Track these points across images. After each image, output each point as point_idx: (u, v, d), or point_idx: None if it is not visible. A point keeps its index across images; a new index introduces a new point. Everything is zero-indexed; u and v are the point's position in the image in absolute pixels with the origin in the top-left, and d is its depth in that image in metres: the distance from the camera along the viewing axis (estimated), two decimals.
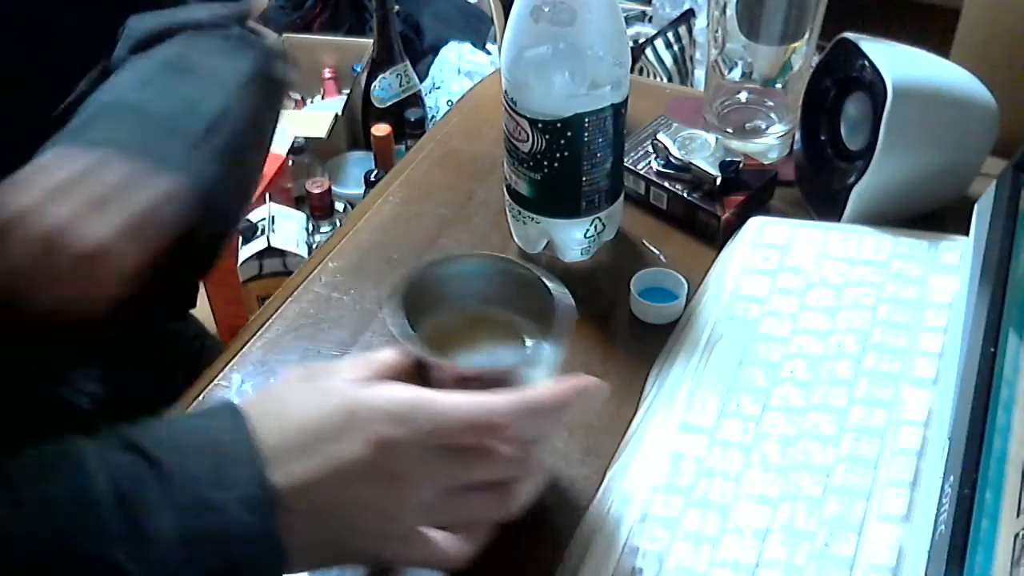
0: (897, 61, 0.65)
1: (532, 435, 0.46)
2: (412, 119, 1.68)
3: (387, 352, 0.50)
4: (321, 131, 1.72)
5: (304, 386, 0.47)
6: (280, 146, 1.63)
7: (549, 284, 0.51)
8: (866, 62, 0.65)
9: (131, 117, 0.55)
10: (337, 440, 0.44)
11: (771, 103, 0.76)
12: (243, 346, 0.64)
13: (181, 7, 0.63)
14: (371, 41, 1.73)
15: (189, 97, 0.57)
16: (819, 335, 0.59)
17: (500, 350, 0.52)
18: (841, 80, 0.69)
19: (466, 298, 0.53)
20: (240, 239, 1.52)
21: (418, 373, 0.48)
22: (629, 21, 1.94)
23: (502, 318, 0.53)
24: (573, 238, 0.66)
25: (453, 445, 0.44)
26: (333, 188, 1.59)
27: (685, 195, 0.70)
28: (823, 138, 0.71)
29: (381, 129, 1.62)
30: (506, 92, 0.61)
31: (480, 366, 0.49)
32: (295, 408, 0.46)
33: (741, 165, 0.70)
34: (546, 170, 0.62)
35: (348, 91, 1.81)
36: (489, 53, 1.90)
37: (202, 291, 1.23)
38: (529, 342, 0.52)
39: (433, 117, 1.77)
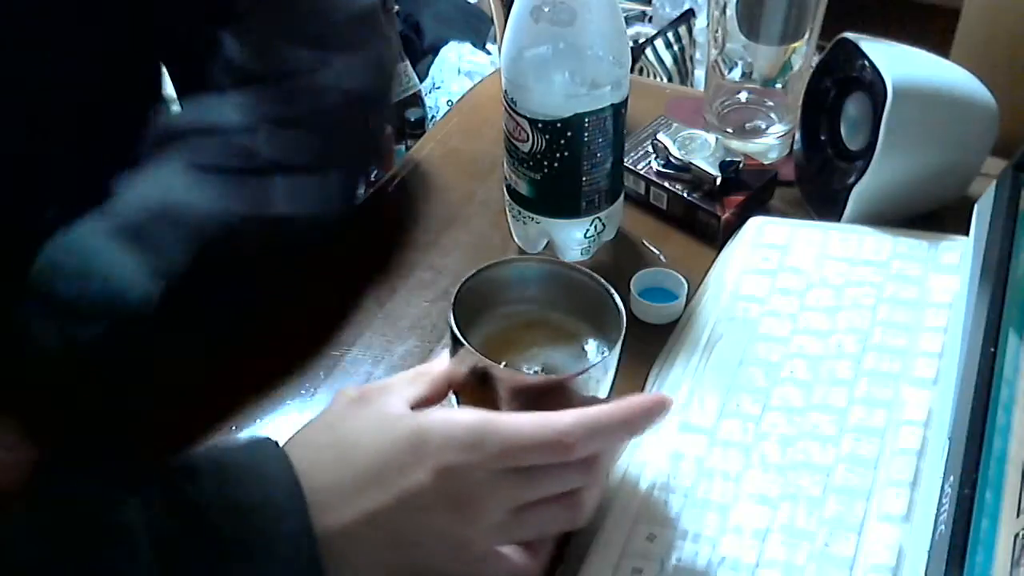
0: (897, 61, 0.65)
1: (598, 450, 0.46)
2: (412, 119, 1.69)
3: (440, 363, 0.50)
4: None
5: (364, 413, 0.47)
6: None
7: (603, 285, 0.50)
8: (866, 62, 0.65)
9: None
10: (405, 472, 0.43)
11: (771, 103, 0.76)
12: None
13: (215, 104, 0.61)
14: None
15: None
16: (819, 335, 0.59)
17: (558, 354, 0.51)
18: (841, 80, 0.69)
19: (520, 303, 0.52)
20: None
21: (477, 383, 0.47)
22: (629, 21, 1.94)
23: (558, 322, 0.52)
24: (573, 238, 0.66)
25: (521, 466, 0.44)
26: None
27: (685, 195, 0.70)
28: (823, 138, 0.71)
29: None
30: (506, 92, 0.62)
31: (541, 375, 0.49)
32: (358, 440, 0.45)
33: (741, 165, 0.70)
34: (546, 170, 0.62)
35: None
36: (489, 53, 1.90)
37: None
38: (586, 345, 0.51)
39: (433, 117, 1.77)
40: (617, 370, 0.49)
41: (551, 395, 0.45)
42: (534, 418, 0.44)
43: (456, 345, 0.47)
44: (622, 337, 0.48)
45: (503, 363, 0.48)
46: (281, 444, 0.46)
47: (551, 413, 0.44)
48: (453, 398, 0.50)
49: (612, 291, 0.49)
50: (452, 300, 0.48)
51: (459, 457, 0.43)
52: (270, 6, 0.63)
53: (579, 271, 0.51)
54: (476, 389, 0.47)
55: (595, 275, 0.51)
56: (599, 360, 0.48)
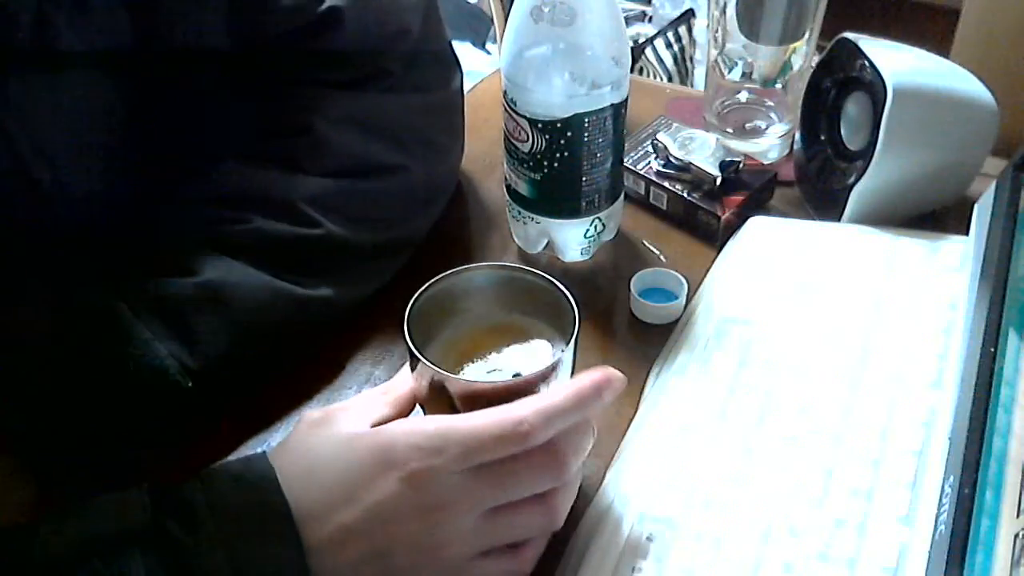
0: (897, 61, 0.65)
1: (565, 443, 0.46)
2: None
3: (399, 380, 0.51)
4: None
5: (326, 434, 0.47)
6: None
7: (555, 285, 0.51)
8: (866, 62, 0.65)
9: None
10: (372, 485, 0.44)
11: (771, 103, 0.76)
12: None
13: (292, 180, 0.61)
14: None
15: None
16: (819, 335, 0.59)
17: (520, 357, 0.52)
18: (841, 80, 0.69)
19: (478, 309, 0.53)
20: None
21: (438, 394, 0.48)
22: (629, 21, 1.95)
23: (519, 324, 0.53)
24: (573, 238, 0.66)
25: (486, 464, 0.44)
26: None
27: (685, 195, 0.70)
28: (823, 138, 0.71)
29: None
30: (506, 92, 0.62)
31: (498, 381, 0.49)
32: (323, 461, 0.46)
33: (741, 165, 0.70)
34: (546, 170, 0.62)
35: None
36: (489, 53, 1.90)
37: None
38: (546, 345, 0.52)
39: None
40: (574, 368, 0.50)
41: (511, 398, 0.46)
42: (491, 412, 0.44)
43: (414, 360, 0.48)
44: (575, 336, 0.48)
45: (464, 370, 0.49)
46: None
47: (507, 406, 0.44)
48: (420, 411, 0.51)
49: (564, 291, 0.50)
50: (406, 315, 0.48)
51: (424, 463, 0.43)
52: (365, 101, 0.63)
53: (533, 273, 0.52)
54: (439, 400, 0.48)
55: (548, 276, 0.51)
56: (554, 360, 0.48)
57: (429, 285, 0.51)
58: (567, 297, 0.50)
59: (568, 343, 0.48)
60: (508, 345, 0.52)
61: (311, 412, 0.49)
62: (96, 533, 0.42)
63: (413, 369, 0.49)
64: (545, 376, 0.48)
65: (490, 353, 0.52)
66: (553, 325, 0.52)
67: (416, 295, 0.50)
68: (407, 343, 0.48)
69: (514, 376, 0.49)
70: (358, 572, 0.44)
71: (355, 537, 0.44)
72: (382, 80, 0.64)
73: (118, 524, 0.43)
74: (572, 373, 0.50)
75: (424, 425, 0.45)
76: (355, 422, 0.47)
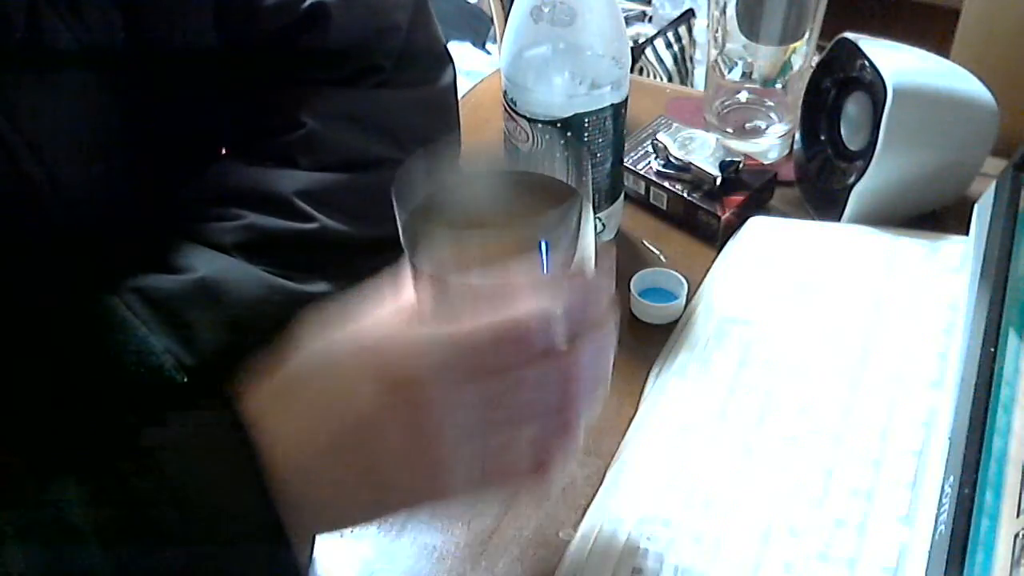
0: (897, 61, 0.65)
1: (581, 347, 0.41)
2: None
3: (397, 286, 0.46)
4: None
5: (315, 350, 0.43)
6: None
7: (558, 181, 0.47)
8: (866, 62, 0.65)
9: None
10: (351, 397, 0.40)
11: (771, 103, 0.76)
12: None
13: (287, 176, 0.58)
14: None
15: None
16: (819, 335, 0.59)
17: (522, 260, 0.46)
18: (841, 80, 0.69)
19: (474, 213, 0.48)
20: None
21: (436, 303, 0.43)
22: (629, 21, 1.94)
23: (517, 226, 0.47)
24: None
25: (482, 369, 0.40)
26: None
27: (685, 195, 0.70)
28: (823, 138, 0.71)
29: None
30: (506, 92, 0.62)
31: (496, 278, 0.43)
32: (307, 381, 0.42)
33: (741, 165, 0.70)
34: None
35: None
36: (489, 53, 1.90)
37: None
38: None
39: None
40: (594, 241, 0.45)
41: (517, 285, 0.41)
42: (484, 315, 0.40)
43: (413, 268, 0.44)
44: (579, 212, 0.43)
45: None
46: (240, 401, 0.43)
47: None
48: None
49: (560, 182, 0.46)
50: (401, 224, 0.44)
51: (407, 368, 0.39)
52: (357, 97, 0.63)
53: (528, 174, 0.48)
54: (441, 302, 0.43)
55: (543, 174, 0.47)
56: (555, 225, 0.43)
57: (423, 199, 0.46)
58: (560, 187, 0.46)
59: (571, 210, 0.43)
60: (511, 247, 0.46)
61: (306, 320, 0.45)
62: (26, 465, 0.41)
63: (415, 280, 0.45)
64: (552, 249, 0.43)
65: (493, 256, 0.45)
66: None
67: (410, 209, 0.45)
68: (403, 246, 0.44)
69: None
70: (344, 497, 0.41)
71: (337, 456, 0.40)
72: (373, 76, 0.64)
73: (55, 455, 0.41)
74: (595, 248, 0.45)
75: (409, 330, 0.41)
76: (345, 330, 0.42)
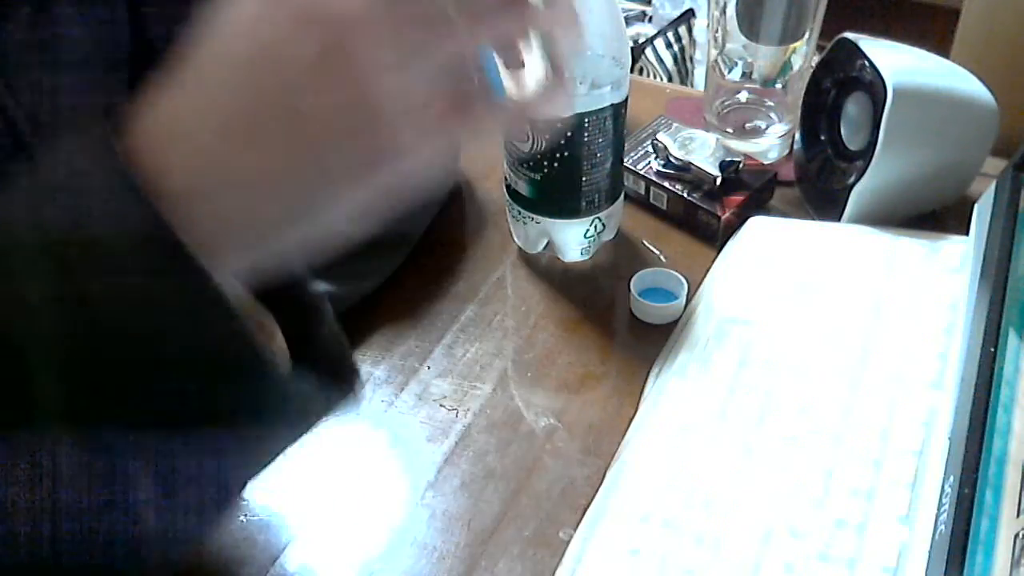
0: (897, 61, 0.65)
1: None
2: None
3: None
4: None
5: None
6: None
7: None
8: (866, 62, 0.65)
9: None
10: (255, 31, 0.31)
11: (771, 103, 0.76)
12: None
13: None
14: None
15: None
16: (819, 335, 0.59)
17: None
18: (841, 80, 0.69)
19: None
20: None
21: None
22: (629, 21, 1.94)
23: None
24: (573, 238, 0.66)
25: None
26: None
27: (685, 195, 0.70)
28: (823, 138, 0.71)
29: None
30: None
31: None
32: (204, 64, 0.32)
33: (741, 165, 0.70)
34: (546, 170, 0.62)
35: None
36: None
37: None
38: None
39: None
40: None
41: None
42: None
43: None
44: None
45: None
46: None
47: None
48: None
49: None
50: None
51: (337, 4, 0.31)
52: None
53: None
54: None
55: None
56: None
57: None
58: None
59: None
60: None
61: None
62: None
63: None
64: None
65: None
66: None
67: None
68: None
69: None
70: (266, 180, 0.32)
71: (251, 133, 0.31)
72: None
73: None
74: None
75: None
76: None
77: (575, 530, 0.51)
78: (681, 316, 0.64)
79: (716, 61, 0.75)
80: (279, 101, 0.31)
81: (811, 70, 0.73)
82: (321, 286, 0.60)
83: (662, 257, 0.69)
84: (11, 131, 0.52)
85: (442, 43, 0.33)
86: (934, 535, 0.46)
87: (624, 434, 0.57)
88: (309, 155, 0.32)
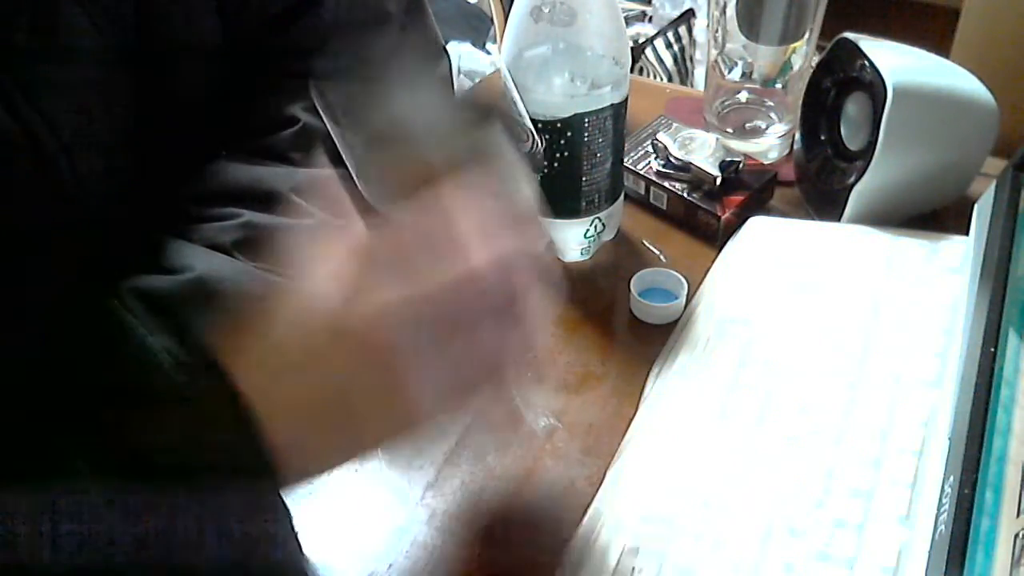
0: (897, 61, 0.65)
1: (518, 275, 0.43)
2: None
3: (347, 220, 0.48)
4: None
5: (288, 321, 0.45)
6: None
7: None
8: (866, 62, 0.65)
9: None
10: (327, 365, 0.42)
11: (771, 103, 0.76)
12: None
13: (281, 173, 0.58)
14: None
15: None
16: (819, 335, 0.59)
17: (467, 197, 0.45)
18: (841, 80, 0.69)
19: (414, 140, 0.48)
20: None
21: (387, 245, 0.45)
22: (629, 21, 1.94)
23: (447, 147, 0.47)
24: (573, 238, 0.66)
25: (444, 321, 0.42)
26: None
27: (685, 195, 0.70)
28: (823, 138, 0.71)
29: None
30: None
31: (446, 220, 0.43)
32: (284, 351, 0.44)
33: (741, 165, 0.70)
34: (546, 170, 0.62)
35: None
36: (489, 53, 1.90)
37: None
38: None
39: None
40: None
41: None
42: (442, 265, 0.42)
43: (364, 204, 0.45)
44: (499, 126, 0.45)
45: None
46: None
47: None
48: None
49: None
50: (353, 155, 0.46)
51: (380, 339, 0.42)
52: (351, 91, 0.63)
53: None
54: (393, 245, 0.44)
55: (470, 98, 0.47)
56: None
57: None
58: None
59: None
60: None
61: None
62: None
63: None
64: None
65: None
66: None
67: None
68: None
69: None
70: (323, 441, 0.43)
71: (314, 415, 0.42)
72: (366, 69, 0.64)
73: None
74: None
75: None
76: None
77: (575, 530, 0.51)
78: (681, 316, 0.64)
79: (716, 61, 0.75)
80: (336, 396, 0.42)
81: (811, 70, 0.73)
82: None
83: (662, 257, 0.69)
84: (24, 127, 0.53)
85: (471, 354, 0.43)
86: (934, 535, 0.46)
87: (624, 434, 0.57)
88: (353, 433, 0.43)
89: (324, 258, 0.45)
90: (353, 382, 0.42)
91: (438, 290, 0.42)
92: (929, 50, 0.69)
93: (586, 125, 0.60)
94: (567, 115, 0.59)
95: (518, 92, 0.60)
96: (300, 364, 0.43)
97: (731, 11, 0.71)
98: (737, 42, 0.73)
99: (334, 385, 0.42)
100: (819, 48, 0.73)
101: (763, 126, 0.77)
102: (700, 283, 0.66)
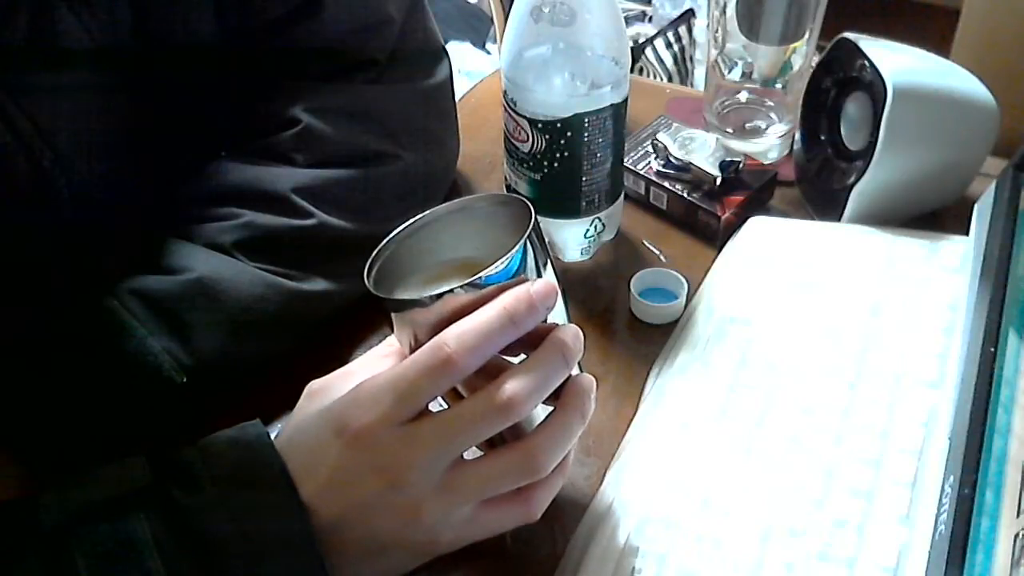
0: (897, 61, 0.65)
1: (543, 438, 0.45)
2: None
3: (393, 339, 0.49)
4: None
5: (308, 408, 0.47)
6: None
7: (507, 196, 0.48)
8: (866, 62, 0.65)
9: None
10: (325, 454, 0.44)
11: (771, 103, 0.76)
12: None
13: (281, 174, 0.60)
14: None
15: None
16: (819, 335, 0.59)
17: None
18: (841, 80, 0.69)
19: (442, 255, 0.50)
20: None
21: (414, 339, 0.46)
22: (629, 21, 1.95)
23: (490, 253, 0.46)
24: (573, 238, 0.66)
25: (425, 408, 0.44)
26: None
27: (685, 195, 0.70)
28: (823, 138, 0.71)
29: None
30: (506, 92, 0.62)
31: (443, 290, 0.44)
32: (298, 435, 0.46)
33: (741, 165, 0.70)
34: (546, 170, 0.62)
35: None
36: (489, 53, 1.90)
37: None
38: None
39: None
40: (566, 301, 0.47)
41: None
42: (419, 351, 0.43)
43: (389, 312, 0.46)
44: (530, 228, 0.45)
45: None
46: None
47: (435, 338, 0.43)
48: None
49: (518, 195, 0.47)
50: (367, 270, 0.46)
51: (364, 419, 0.43)
52: (352, 92, 0.63)
53: (483, 198, 0.49)
54: (417, 345, 0.45)
55: (499, 192, 0.48)
56: (507, 253, 0.44)
57: (384, 244, 0.48)
58: (521, 199, 0.47)
59: (521, 239, 0.44)
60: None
61: (315, 381, 0.49)
62: (99, 499, 0.42)
63: (396, 327, 0.47)
64: (505, 276, 0.44)
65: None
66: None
67: (376, 252, 0.48)
68: (368, 288, 0.46)
69: (464, 285, 0.44)
70: (357, 552, 0.44)
71: (327, 507, 0.43)
72: (367, 70, 0.64)
73: (120, 488, 0.43)
74: (564, 306, 0.47)
75: (365, 382, 0.44)
76: (338, 391, 0.46)
77: (575, 530, 0.51)
78: (681, 316, 0.64)
79: (716, 61, 0.75)
80: (359, 519, 0.44)
81: (811, 70, 0.73)
82: (319, 283, 0.60)
83: (662, 257, 0.69)
84: (20, 141, 0.52)
85: (481, 483, 0.45)
86: (934, 535, 0.46)
87: (624, 434, 0.57)
88: (380, 555, 0.45)
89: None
90: (344, 472, 0.44)
91: (406, 365, 0.44)
92: (929, 50, 0.69)
93: (586, 125, 0.60)
94: (567, 115, 0.59)
95: (518, 92, 0.60)
96: (305, 456, 0.45)
97: (731, 11, 0.71)
98: (737, 42, 0.73)
99: (332, 482, 0.44)
100: (819, 48, 0.73)
101: (763, 126, 0.77)
102: (700, 283, 0.66)
